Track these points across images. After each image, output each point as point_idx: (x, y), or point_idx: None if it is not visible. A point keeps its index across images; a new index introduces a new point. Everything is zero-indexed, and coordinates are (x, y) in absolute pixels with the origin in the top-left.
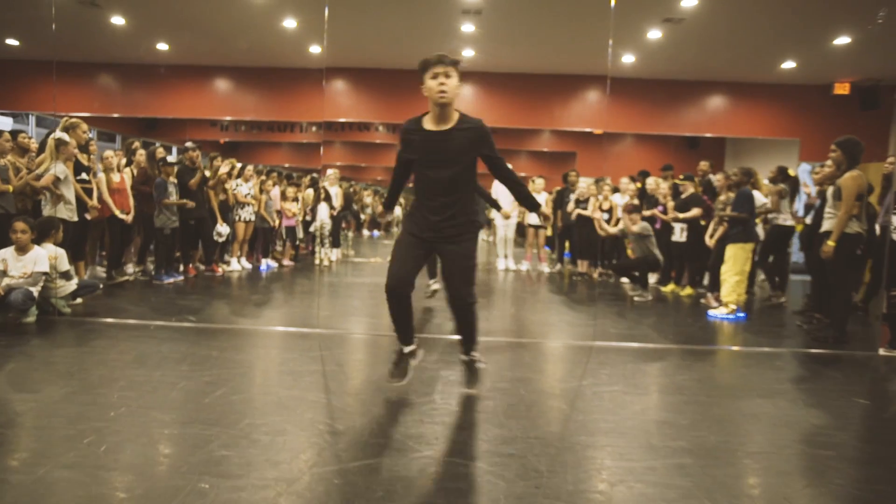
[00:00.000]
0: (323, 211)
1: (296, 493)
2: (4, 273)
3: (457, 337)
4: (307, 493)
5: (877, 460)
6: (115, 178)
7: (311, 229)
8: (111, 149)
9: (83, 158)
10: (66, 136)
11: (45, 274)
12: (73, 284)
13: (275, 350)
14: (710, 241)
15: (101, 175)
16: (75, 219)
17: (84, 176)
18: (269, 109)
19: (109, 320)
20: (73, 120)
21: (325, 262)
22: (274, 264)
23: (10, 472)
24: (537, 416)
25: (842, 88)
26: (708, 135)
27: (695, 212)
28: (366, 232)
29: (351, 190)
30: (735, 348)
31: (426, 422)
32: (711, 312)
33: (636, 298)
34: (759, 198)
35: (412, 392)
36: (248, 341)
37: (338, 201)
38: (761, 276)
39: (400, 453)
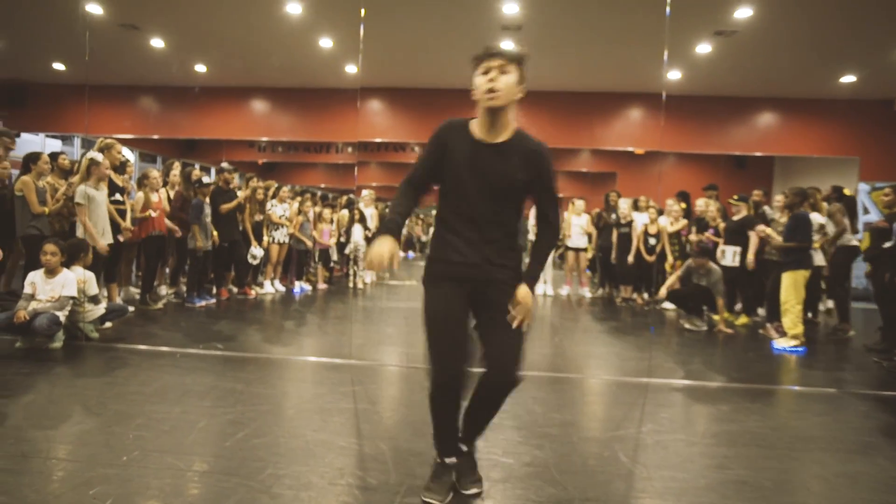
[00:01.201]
0: (358, 232)
1: None
2: (32, 296)
3: (468, 421)
4: None
5: None
6: (154, 197)
7: (346, 251)
8: (154, 168)
9: (118, 179)
10: (99, 157)
11: (73, 298)
12: (101, 309)
13: (304, 384)
14: (749, 260)
15: (139, 194)
16: (104, 242)
17: (118, 197)
18: (305, 130)
19: (135, 346)
20: (109, 141)
21: (360, 285)
22: (308, 287)
23: None
24: (594, 472)
25: None
26: (757, 153)
27: (755, 241)
28: (400, 253)
29: (386, 210)
30: (809, 389)
31: None
32: (777, 345)
33: (688, 327)
34: (818, 219)
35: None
36: (277, 373)
37: (373, 223)
38: (828, 304)
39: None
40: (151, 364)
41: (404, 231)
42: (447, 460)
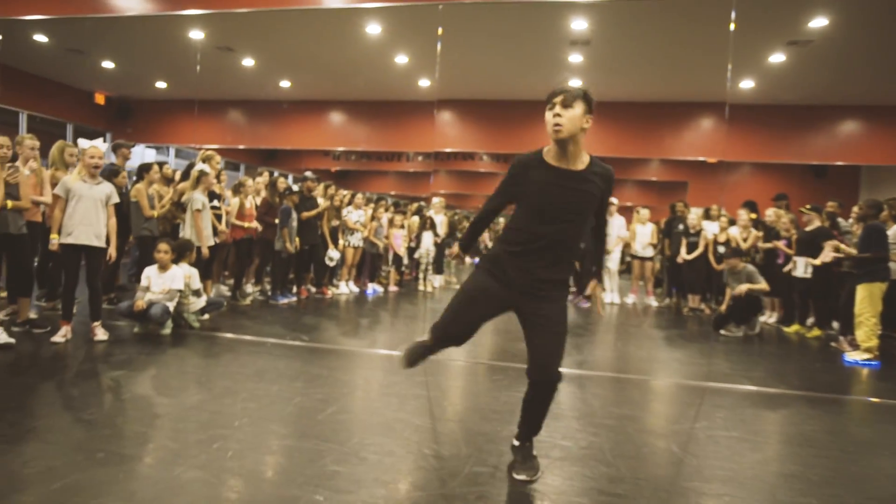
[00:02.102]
0: (427, 238)
1: None
2: (147, 288)
3: (523, 422)
4: None
5: None
6: (248, 203)
7: (416, 256)
8: (249, 177)
9: (215, 187)
10: (207, 168)
11: (180, 291)
12: (202, 301)
13: (380, 372)
14: (816, 262)
15: (235, 200)
16: (211, 243)
17: (216, 203)
18: (380, 140)
19: (232, 336)
20: (209, 153)
21: (429, 289)
22: (379, 289)
23: (156, 467)
24: (646, 457)
25: None
26: (838, 163)
27: (828, 251)
28: (468, 259)
29: (455, 218)
30: (873, 399)
31: None
32: (848, 357)
33: (724, 333)
34: None
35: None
36: (356, 362)
37: (442, 229)
38: None
39: (504, 483)
40: (247, 350)
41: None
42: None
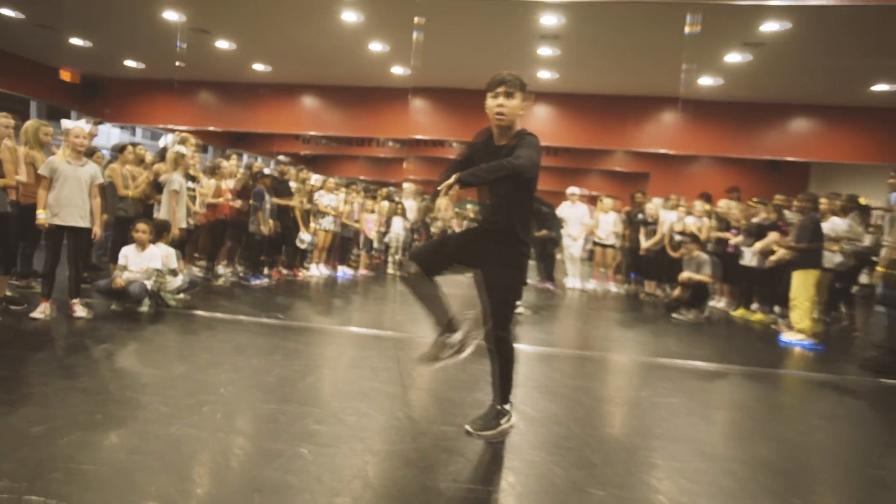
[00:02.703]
0: (398, 223)
1: (380, 462)
2: (125, 267)
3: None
4: (389, 462)
5: None
6: (224, 185)
7: (386, 240)
8: (223, 159)
9: (191, 170)
10: (185, 150)
11: (158, 270)
12: (178, 280)
13: (353, 348)
14: (770, 261)
15: (211, 181)
16: (185, 225)
17: (190, 184)
18: (352, 126)
19: (208, 314)
20: (185, 135)
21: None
22: (350, 272)
23: (152, 426)
24: (595, 419)
25: None
26: (789, 158)
27: (772, 237)
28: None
29: (424, 203)
30: (801, 373)
31: None
32: (784, 338)
33: (675, 316)
34: (839, 224)
35: (483, 392)
36: (330, 339)
37: (412, 214)
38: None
39: (470, 439)
40: (225, 328)
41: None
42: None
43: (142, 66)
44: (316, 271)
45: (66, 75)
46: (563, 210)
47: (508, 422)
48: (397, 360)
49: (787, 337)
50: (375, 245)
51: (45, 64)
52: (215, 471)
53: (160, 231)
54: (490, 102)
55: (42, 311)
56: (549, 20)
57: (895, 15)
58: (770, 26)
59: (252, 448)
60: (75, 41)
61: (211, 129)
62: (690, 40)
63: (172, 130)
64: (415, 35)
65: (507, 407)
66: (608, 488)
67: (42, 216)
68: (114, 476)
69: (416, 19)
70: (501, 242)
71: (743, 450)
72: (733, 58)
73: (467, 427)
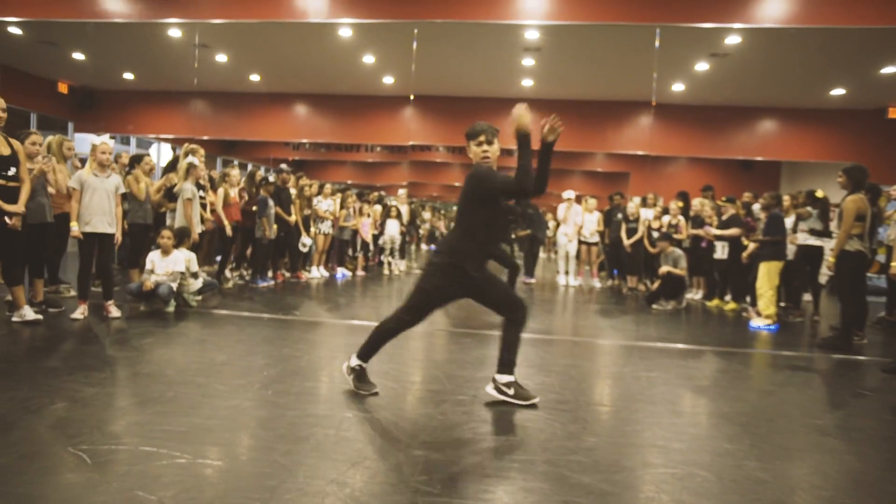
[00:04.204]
0: (393, 226)
1: (413, 422)
2: (152, 271)
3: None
4: (423, 421)
5: (854, 428)
6: (232, 193)
7: (380, 243)
8: (232, 167)
9: (201, 179)
10: (196, 161)
11: (181, 273)
12: (199, 282)
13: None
14: (743, 257)
15: (220, 190)
16: (200, 230)
17: (201, 193)
18: (343, 133)
19: (229, 312)
20: (193, 146)
21: (395, 272)
22: (348, 273)
23: (218, 400)
24: (584, 388)
25: (895, 113)
26: (759, 158)
27: (733, 231)
28: (424, 246)
29: (413, 206)
30: (765, 351)
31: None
32: (753, 323)
33: (655, 307)
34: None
35: (485, 372)
36: (344, 332)
37: (406, 218)
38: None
39: (480, 405)
40: (249, 324)
41: (427, 225)
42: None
43: (136, 77)
44: (316, 273)
45: (63, 87)
46: (561, 212)
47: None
48: (408, 347)
49: (755, 322)
50: (371, 248)
51: (41, 76)
52: (279, 429)
53: (181, 237)
54: (476, 149)
55: (81, 313)
56: (532, 34)
57: (837, 33)
58: (733, 39)
59: (309, 413)
60: (77, 56)
61: (204, 137)
62: (661, 53)
63: (164, 140)
64: (415, 44)
65: (352, 363)
66: (599, 437)
67: (76, 229)
68: (201, 434)
69: (415, 31)
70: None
71: (708, 408)
72: (702, 66)
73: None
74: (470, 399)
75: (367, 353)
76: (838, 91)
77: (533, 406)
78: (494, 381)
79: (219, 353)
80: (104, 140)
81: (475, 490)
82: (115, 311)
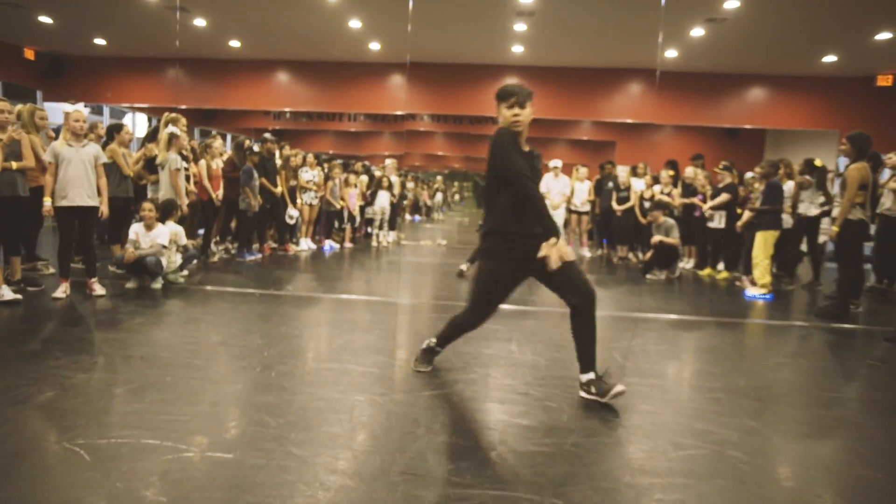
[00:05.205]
0: (384, 197)
1: (429, 399)
2: (136, 243)
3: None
4: (441, 394)
5: (874, 401)
6: (214, 164)
7: (368, 214)
8: (214, 138)
9: (184, 150)
10: (178, 131)
11: (165, 247)
12: (178, 258)
13: (367, 313)
14: (738, 226)
15: (202, 162)
16: (186, 202)
17: (184, 164)
18: (327, 101)
19: (220, 288)
20: (174, 115)
21: (384, 244)
22: (336, 245)
23: (219, 385)
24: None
25: (884, 80)
26: (747, 126)
27: (723, 197)
28: (408, 217)
29: (401, 178)
30: (765, 321)
31: (498, 353)
32: (748, 293)
33: (649, 277)
34: (791, 187)
35: (490, 342)
36: (342, 307)
37: (397, 189)
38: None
39: (486, 384)
40: (242, 300)
41: (410, 196)
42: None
43: (108, 42)
44: (305, 245)
45: (30, 53)
46: (547, 182)
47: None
48: (407, 322)
49: (751, 292)
50: (358, 219)
51: (8, 42)
52: (289, 415)
53: (169, 209)
54: (506, 112)
55: (63, 291)
56: None
57: None
58: (732, 4)
59: (315, 398)
60: (44, 19)
61: (182, 107)
62: (658, 18)
63: (139, 109)
64: (411, 3)
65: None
66: (621, 420)
67: (48, 204)
68: (204, 421)
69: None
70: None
71: (722, 382)
72: (697, 32)
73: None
74: (481, 377)
75: (442, 340)
76: (830, 58)
77: (618, 395)
78: (579, 381)
79: (214, 333)
80: (77, 108)
81: (509, 477)
82: (99, 289)
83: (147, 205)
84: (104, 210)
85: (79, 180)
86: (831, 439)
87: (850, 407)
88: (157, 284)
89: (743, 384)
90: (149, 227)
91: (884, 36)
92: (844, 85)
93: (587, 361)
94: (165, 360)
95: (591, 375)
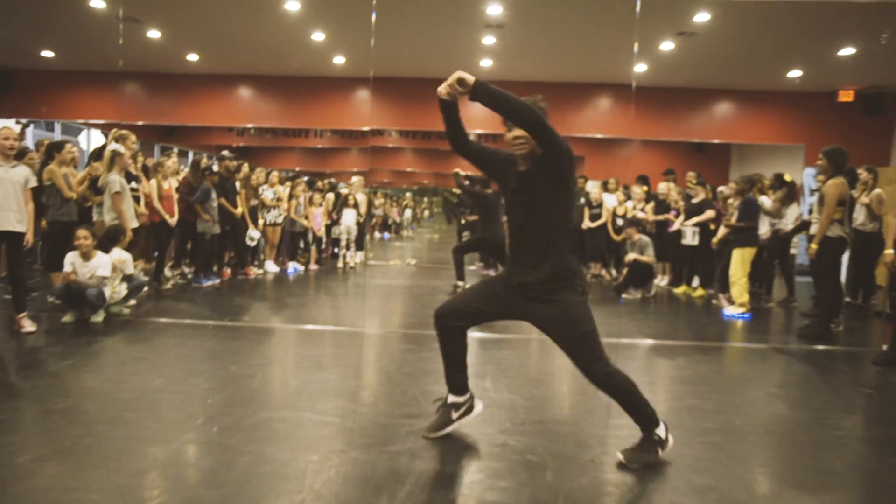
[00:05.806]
0: (350, 216)
1: (395, 457)
2: (73, 274)
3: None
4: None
5: (882, 439)
6: (166, 185)
7: (335, 233)
8: (168, 156)
9: (131, 168)
10: (121, 149)
11: (106, 278)
12: (123, 288)
13: (330, 347)
14: (714, 243)
15: (153, 182)
16: (135, 225)
17: (133, 184)
18: (291, 117)
19: (169, 320)
20: (123, 132)
21: (351, 265)
22: (300, 267)
23: (148, 445)
24: (578, 403)
25: (846, 96)
26: (715, 141)
27: (708, 213)
28: (377, 234)
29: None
30: (747, 345)
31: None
32: (726, 312)
33: (625, 296)
34: (767, 202)
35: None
36: (305, 339)
37: (363, 208)
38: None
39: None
40: (192, 334)
41: (379, 212)
42: (450, 398)
43: (57, 55)
44: (271, 268)
45: None
46: None
47: (665, 446)
48: (359, 348)
49: (729, 311)
50: (324, 240)
51: None
52: (228, 486)
53: (114, 236)
54: (507, 135)
55: None
56: (495, 9)
57: (804, 8)
58: (702, 17)
59: (261, 459)
60: None
61: (139, 123)
62: (629, 32)
63: (94, 126)
64: (374, 15)
65: (658, 431)
66: (633, 473)
67: None
68: (120, 501)
69: (374, 1)
70: (546, 275)
71: (717, 422)
72: (667, 46)
73: (621, 457)
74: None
75: (640, 420)
76: (795, 73)
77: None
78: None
79: (154, 376)
80: (7, 125)
81: None
82: (28, 326)
83: (82, 232)
84: (28, 238)
85: (7, 203)
86: (852, 488)
87: (858, 448)
88: (98, 318)
89: (739, 423)
90: (86, 257)
91: (846, 52)
92: (808, 100)
93: (637, 419)
94: (90, 414)
95: (648, 433)
